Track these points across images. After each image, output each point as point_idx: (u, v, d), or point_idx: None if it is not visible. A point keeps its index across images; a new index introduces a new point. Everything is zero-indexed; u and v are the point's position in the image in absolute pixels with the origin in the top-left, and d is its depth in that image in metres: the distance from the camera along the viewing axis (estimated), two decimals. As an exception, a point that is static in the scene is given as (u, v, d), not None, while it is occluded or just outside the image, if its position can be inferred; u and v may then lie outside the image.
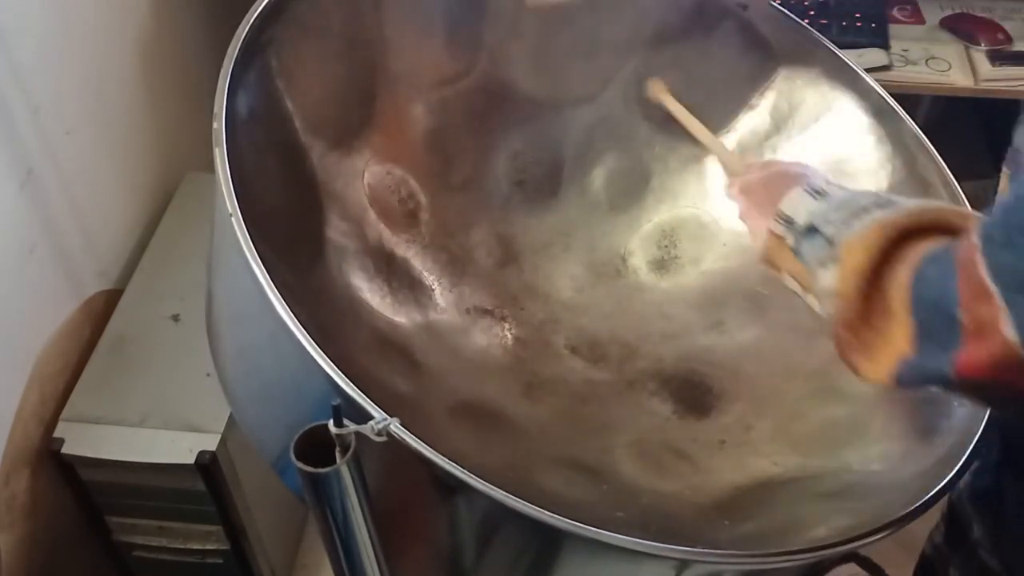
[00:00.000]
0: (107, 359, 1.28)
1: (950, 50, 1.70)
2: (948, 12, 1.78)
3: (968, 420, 0.85)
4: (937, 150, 1.02)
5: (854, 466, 0.91)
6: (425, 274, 1.07)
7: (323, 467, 0.65)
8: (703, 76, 1.11)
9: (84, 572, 1.36)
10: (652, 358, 1.06)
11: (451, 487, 0.71)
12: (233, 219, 0.74)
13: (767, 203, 0.81)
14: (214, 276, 0.93)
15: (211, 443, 1.19)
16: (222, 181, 0.77)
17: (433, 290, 1.06)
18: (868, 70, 1.09)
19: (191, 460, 1.18)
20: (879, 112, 1.06)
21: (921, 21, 1.76)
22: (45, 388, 1.24)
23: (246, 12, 0.89)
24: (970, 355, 0.58)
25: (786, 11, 1.10)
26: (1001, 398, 0.61)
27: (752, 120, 1.12)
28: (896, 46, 1.69)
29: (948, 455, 0.84)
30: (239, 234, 0.74)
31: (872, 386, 0.95)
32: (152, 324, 1.31)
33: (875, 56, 1.66)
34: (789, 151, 1.10)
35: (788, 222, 0.77)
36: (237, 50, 0.85)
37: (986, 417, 0.83)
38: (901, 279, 0.64)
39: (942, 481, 0.80)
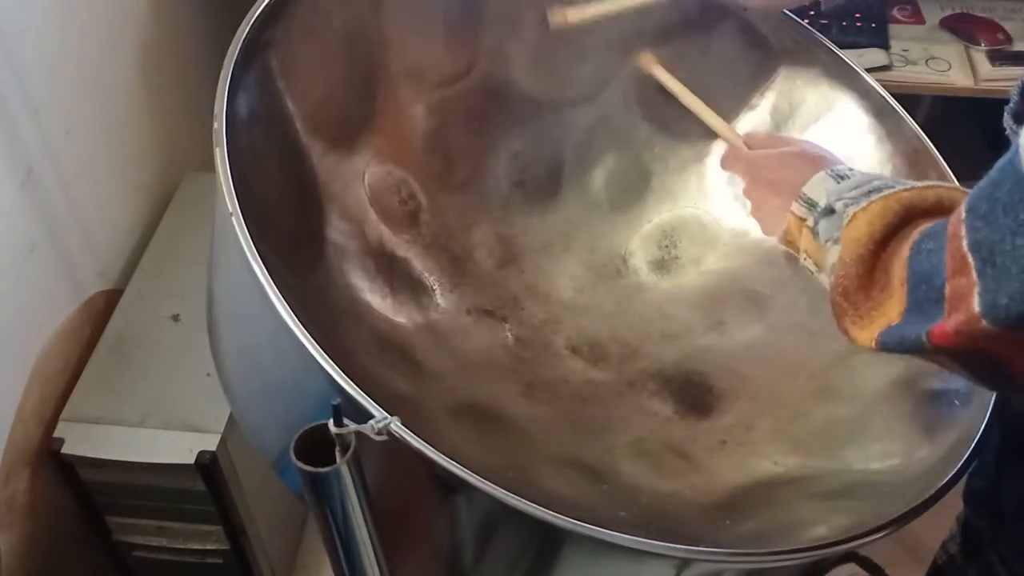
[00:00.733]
0: (107, 359, 1.28)
1: (950, 50, 1.70)
2: (948, 12, 1.78)
3: (969, 420, 0.85)
4: (937, 150, 1.02)
5: (854, 466, 0.91)
6: (426, 274, 1.07)
7: (323, 467, 0.65)
8: (703, 76, 1.11)
9: (84, 572, 1.36)
10: (652, 358, 1.06)
11: (451, 486, 0.71)
12: (233, 219, 0.74)
13: (783, 181, 0.83)
14: (214, 276, 0.93)
15: (211, 443, 1.19)
16: (222, 181, 0.77)
17: (434, 290, 1.06)
18: (868, 70, 1.09)
19: (191, 460, 1.18)
20: (879, 112, 1.06)
21: (921, 21, 1.77)
22: (45, 388, 1.23)
23: (246, 12, 0.89)
24: (942, 325, 0.59)
25: (786, 11, 1.10)
26: (976, 367, 0.61)
27: (752, 120, 1.12)
28: (896, 46, 1.69)
29: (949, 455, 0.84)
30: (239, 234, 0.74)
31: (872, 386, 0.95)
32: (152, 324, 1.31)
33: (875, 56, 1.66)
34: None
35: (810, 204, 0.78)
36: (237, 50, 0.85)
37: (987, 417, 0.83)
38: (902, 253, 0.65)
39: (942, 481, 0.80)
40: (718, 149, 1.13)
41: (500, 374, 1.04)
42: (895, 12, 1.77)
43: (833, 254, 0.72)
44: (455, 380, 1.00)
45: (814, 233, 0.77)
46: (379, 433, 0.66)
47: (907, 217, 0.68)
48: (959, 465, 0.81)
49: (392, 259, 1.04)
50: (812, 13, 1.66)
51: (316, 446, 0.66)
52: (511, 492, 0.68)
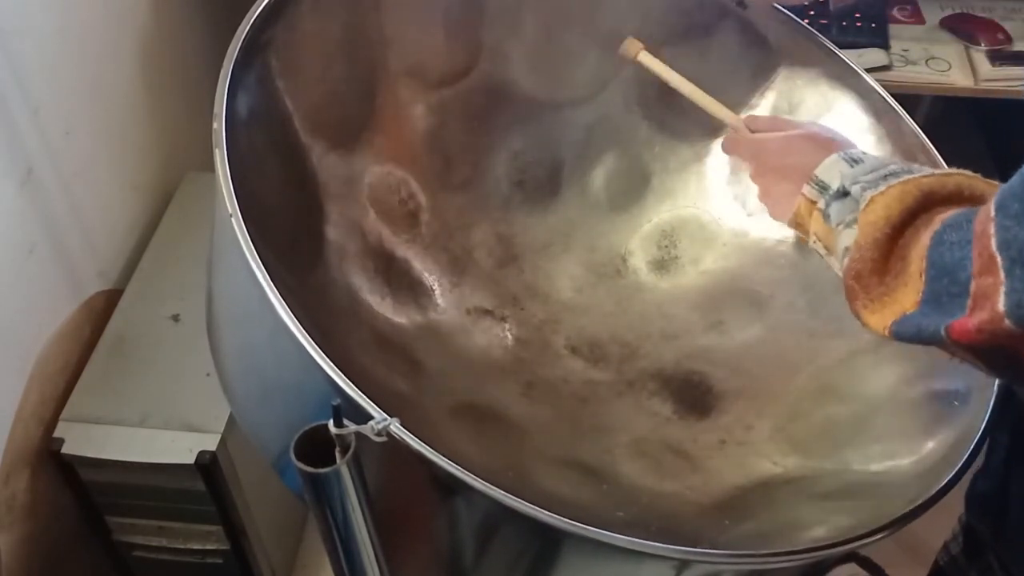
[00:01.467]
0: (107, 359, 1.28)
1: (950, 50, 1.70)
2: (948, 12, 1.78)
3: (969, 420, 0.85)
4: (937, 150, 1.02)
5: (854, 466, 0.91)
6: (425, 274, 1.07)
7: (323, 467, 0.65)
8: (703, 76, 1.11)
9: (84, 572, 1.36)
10: (652, 358, 1.06)
11: (451, 487, 0.71)
12: (233, 219, 0.74)
13: (791, 165, 0.82)
14: (214, 276, 0.93)
15: (211, 443, 1.19)
16: (222, 181, 0.77)
17: (433, 290, 1.06)
18: (868, 70, 1.09)
19: (191, 460, 1.18)
20: (879, 112, 1.06)
21: (921, 21, 1.76)
22: (45, 388, 1.23)
23: (246, 12, 0.89)
24: (963, 322, 0.58)
25: (786, 11, 1.10)
26: (995, 361, 0.61)
27: (752, 120, 1.12)
28: (896, 46, 1.69)
29: (949, 455, 0.84)
30: (239, 234, 0.74)
31: (872, 386, 0.95)
32: (152, 324, 1.31)
33: (875, 56, 1.66)
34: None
35: (823, 187, 0.77)
36: (237, 50, 0.85)
37: (987, 418, 0.83)
38: (922, 241, 0.64)
39: (942, 481, 0.80)
40: (718, 148, 1.13)
41: (500, 374, 1.04)
42: (895, 12, 1.77)
43: (845, 237, 0.71)
44: (455, 380, 1.00)
45: (825, 216, 0.75)
46: (379, 434, 0.66)
47: (926, 203, 0.67)
48: (959, 465, 0.81)
49: (392, 259, 1.04)
50: (812, 13, 1.67)
51: (316, 446, 0.66)
52: (510, 493, 0.68)
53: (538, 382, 1.04)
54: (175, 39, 1.54)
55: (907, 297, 0.64)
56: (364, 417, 0.67)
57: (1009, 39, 1.72)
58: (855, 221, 0.70)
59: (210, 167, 0.79)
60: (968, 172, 0.70)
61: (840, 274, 0.73)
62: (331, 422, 0.65)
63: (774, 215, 0.87)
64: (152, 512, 1.29)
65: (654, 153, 1.14)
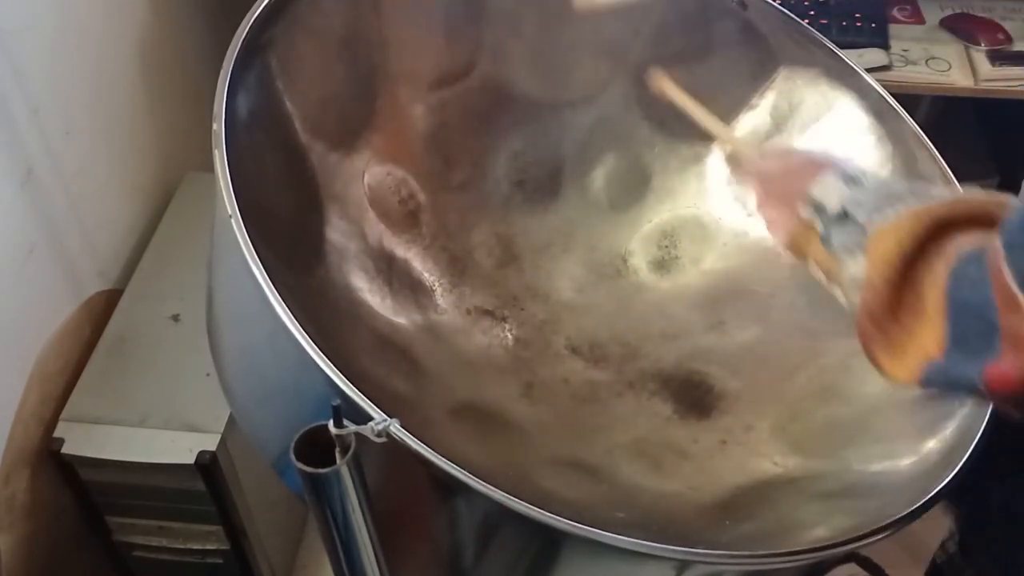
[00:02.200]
0: (107, 359, 1.28)
1: (950, 50, 1.70)
2: (948, 12, 1.78)
3: (968, 420, 0.85)
4: (937, 150, 1.02)
5: (854, 466, 0.91)
6: (425, 275, 1.07)
7: (323, 467, 0.65)
8: (703, 76, 1.11)
9: (84, 572, 1.36)
10: (652, 358, 1.06)
11: (451, 488, 0.71)
12: (233, 220, 0.74)
13: (792, 190, 0.79)
14: (214, 276, 0.93)
15: (211, 443, 1.19)
16: (222, 182, 0.77)
17: (433, 291, 1.06)
18: (868, 70, 1.09)
19: (191, 460, 1.18)
20: (879, 112, 1.06)
21: (921, 21, 1.76)
22: (45, 388, 1.23)
23: (246, 12, 0.89)
24: (1002, 368, 0.55)
25: (786, 11, 1.10)
26: None
27: (752, 120, 1.12)
28: (896, 46, 1.69)
29: (949, 455, 0.84)
30: (239, 235, 0.74)
31: (872, 386, 0.95)
32: (152, 324, 1.31)
33: (875, 56, 1.66)
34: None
35: (818, 208, 0.74)
36: (237, 50, 0.85)
37: (987, 418, 0.83)
38: (937, 276, 0.61)
39: (942, 481, 0.80)
40: (718, 148, 1.13)
41: (500, 374, 1.04)
42: (895, 12, 1.77)
43: (851, 266, 0.68)
44: (455, 380, 1.00)
45: (825, 241, 0.72)
46: (379, 435, 0.66)
47: (936, 232, 0.63)
48: (959, 465, 0.81)
49: (392, 259, 1.04)
50: (812, 13, 1.67)
51: (316, 447, 0.66)
52: (510, 494, 0.68)
53: (538, 382, 1.04)
54: (175, 39, 1.54)
55: (929, 339, 0.61)
56: (364, 417, 0.67)
57: (1009, 39, 1.72)
58: (860, 249, 0.67)
59: (210, 167, 0.79)
60: (977, 193, 0.67)
61: (845, 304, 0.70)
62: (331, 422, 0.65)
63: (781, 244, 0.83)
64: (152, 512, 1.29)
65: (654, 153, 1.14)
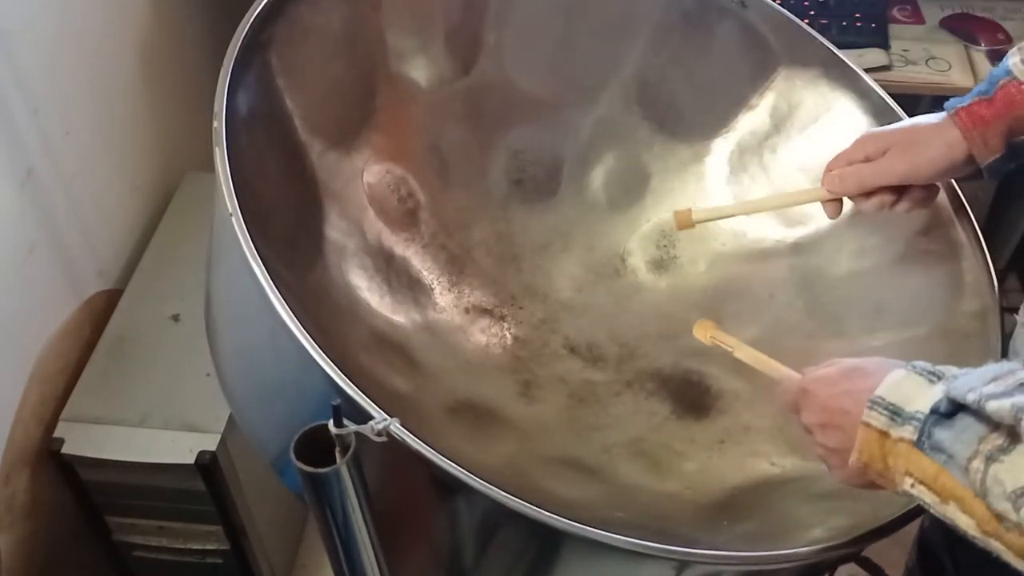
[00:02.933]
0: (107, 359, 1.28)
1: (950, 50, 1.70)
2: (948, 12, 1.78)
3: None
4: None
5: (853, 466, 0.91)
6: (424, 273, 1.07)
7: (323, 467, 0.65)
8: (703, 76, 1.12)
9: (84, 572, 1.36)
10: (651, 358, 1.06)
11: (451, 487, 0.71)
12: (233, 219, 0.74)
13: (851, 403, 0.66)
14: (213, 275, 0.93)
15: (211, 443, 1.19)
16: (222, 181, 0.77)
17: (432, 289, 1.06)
18: (868, 70, 1.09)
19: (191, 460, 1.18)
20: (879, 112, 1.06)
21: (921, 21, 1.76)
22: (45, 388, 1.23)
23: (246, 12, 0.89)
24: None
25: (786, 11, 1.10)
26: None
27: (752, 120, 1.12)
28: (896, 46, 1.69)
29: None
30: (239, 234, 0.74)
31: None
32: (152, 324, 1.31)
33: (875, 56, 1.66)
34: (788, 151, 1.10)
35: (894, 412, 0.62)
36: (237, 50, 0.86)
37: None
38: None
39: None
40: (718, 149, 1.13)
41: (498, 373, 1.04)
42: (895, 12, 1.77)
43: (1003, 472, 0.55)
44: (453, 379, 1.00)
45: (923, 446, 0.59)
46: (379, 434, 0.66)
47: None
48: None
49: (391, 258, 1.04)
50: (812, 13, 1.67)
51: (316, 446, 0.66)
52: (509, 493, 0.68)
53: (536, 381, 1.04)
54: (175, 39, 1.54)
55: None
56: (364, 417, 0.67)
57: (1009, 39, 1.72)
58: (1006, 449, 0.55)
59: (210, 167, 0.79)
60: None
61: (973, 532, 0.58)
62: (331, 422, 0.65)
63: (840, 476, 0.70)
64: (152, 512, 1.29)
65: (654, 153, 1.14)
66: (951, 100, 0.89)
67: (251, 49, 0.88)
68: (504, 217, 1.12)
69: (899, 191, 0.92)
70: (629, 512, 0.88)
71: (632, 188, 1.15)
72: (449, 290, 1.07)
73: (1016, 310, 0.86)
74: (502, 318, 1.08)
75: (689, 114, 1.11)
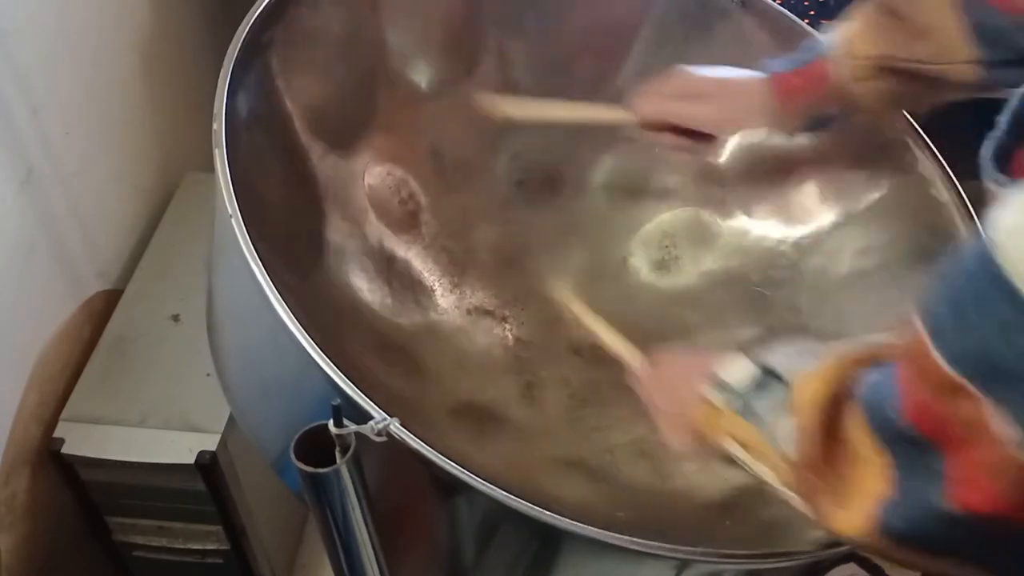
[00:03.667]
0: (107, 359, 1.28)
1: (950, 50, 1.70)
2: (948, 12, 1.78)
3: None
4: (936, 148, 1.02)
5: (854, 466, 0.91)
6: (425, 275, 1.07)
7: (323, 467, 0.65)
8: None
9: (84, 572, 1.36)
10: (652, 358, 1.06)
11: (451, 487, 0.71)
12: (233, 220, 0.74)
13: (689, 383, 0.73)
14: (214, 276, 0.93)
15: (211, 443, 1.19)
16: (222, 182, 0.77)
17: (434, 291, 1.06)
18: (868, 70, 1.08)
19: (191, 460, 1.18)
20: (879, 112, 1.05)
21: (921, 21, 1.76)
22: (45, 388, 1.23)
23: (246, 12, 0.89)
24: (964, 472, 0.50)
25: (786, 11, 1.10)
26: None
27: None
28: (896, 46, 1.69)
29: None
30: (239, 235, 0.74)
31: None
32: (152, 324, 1.31)
33: (875, 56, 1.66)
34: (788, 151, 1.09)
35: (726, 388, 0.69)
36: (237, 50, 0.86)
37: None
38: (856, 416, 0.58)
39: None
40: (718, 148, 1.13)
41: (500, 374, 1.04)
42: (895, 12, 1.77)
43: (783, 427, 0.63)
44: (455, 380, 1.00)
45: (746, 414, 0.67)
46: (379, 434, 0.66)
47: (855, 377, 0.60)
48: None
49: (392, 259, 1.04)
50: (812, 13, 1.67)
51: (316, 446, 0.66)
52: (510, 493, 0.68)
53: (539, 382, 1.04)
54: (175, 39, 1.54)
55: (872, 479, 0.56)
56: (364, 417, 0.67)
57: (1009, 39, 1.71)
58: (783, 407, 0.63)
59: (210, 167, 0.79)
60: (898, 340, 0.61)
61: (773, 483, 0.66)
62: (331, 422, 0.65)
63: (682, 441, 0.77)
64: (152, 512, 1.29)
65: (654, 153, 1.14)
66: (771, 62, 0.92)
67: (251, 50, 0.88)
68: (506, 218, 1.12)
69: (694, 135, 0.96)
70: (630, 512, 0.88)
71: (633, 188, 1.14)
72: (451, 292, 1.07)
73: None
74: (504, 319, 1.08)
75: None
